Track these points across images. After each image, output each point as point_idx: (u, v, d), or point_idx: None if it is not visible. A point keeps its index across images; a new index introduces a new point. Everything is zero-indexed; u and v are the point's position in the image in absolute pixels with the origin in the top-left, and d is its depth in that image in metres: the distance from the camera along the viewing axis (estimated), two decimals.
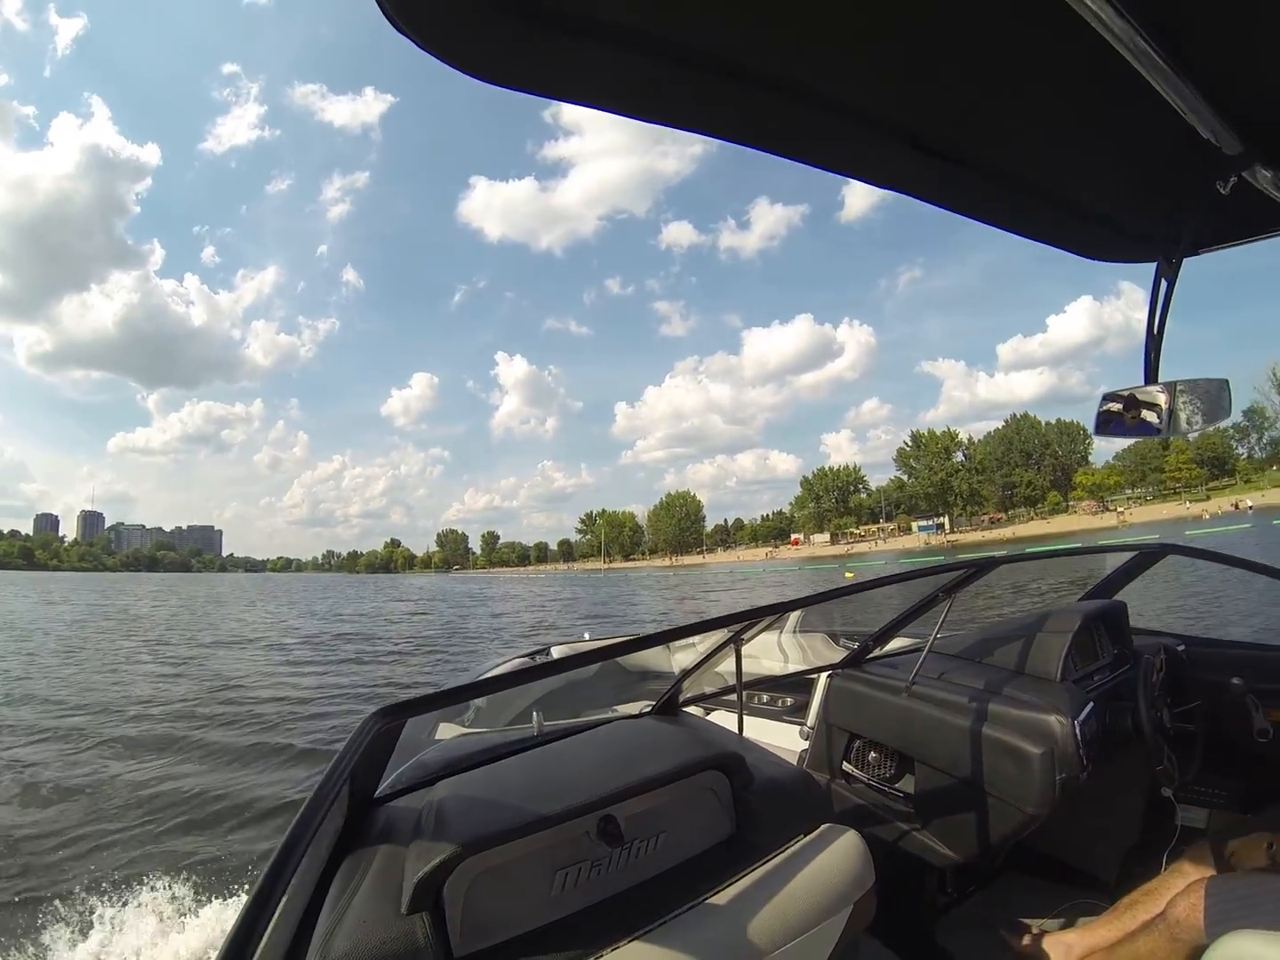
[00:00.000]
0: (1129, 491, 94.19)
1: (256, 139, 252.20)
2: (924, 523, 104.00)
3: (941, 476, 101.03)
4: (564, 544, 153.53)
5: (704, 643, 3.85)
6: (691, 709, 2.72)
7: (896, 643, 3.25)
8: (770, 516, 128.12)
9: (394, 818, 1.66)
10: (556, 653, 4.67)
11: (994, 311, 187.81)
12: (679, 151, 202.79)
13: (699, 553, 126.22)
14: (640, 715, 2.37)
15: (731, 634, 2.30)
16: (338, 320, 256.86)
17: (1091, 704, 2.31)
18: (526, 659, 4.83)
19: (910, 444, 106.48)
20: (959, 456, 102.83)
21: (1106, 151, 1.29)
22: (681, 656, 4.63)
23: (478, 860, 1.33)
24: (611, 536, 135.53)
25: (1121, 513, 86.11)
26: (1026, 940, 2.40)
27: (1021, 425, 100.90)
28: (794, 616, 4.50)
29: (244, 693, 11.92)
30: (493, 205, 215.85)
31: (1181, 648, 2.87)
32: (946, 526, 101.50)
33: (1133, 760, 2.43)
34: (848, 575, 28.74)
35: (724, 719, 2.68)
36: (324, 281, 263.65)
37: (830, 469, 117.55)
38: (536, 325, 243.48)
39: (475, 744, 2.35)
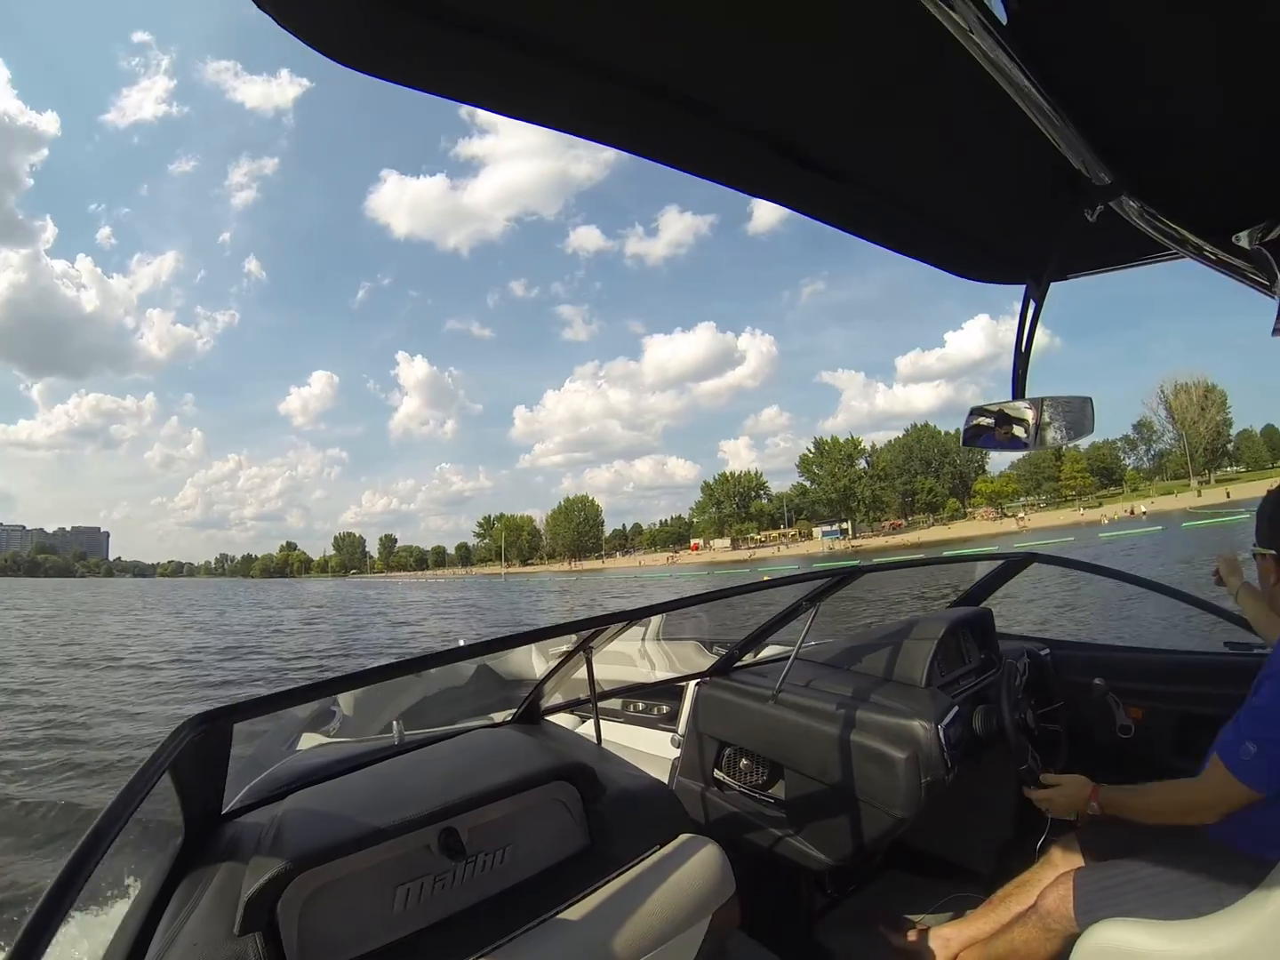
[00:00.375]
0: (1024, 499, 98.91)
1: (163, 114, 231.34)
2: (828, 528, 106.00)
3: (845, 483, 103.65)
4: (462, 548, 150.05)
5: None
6: (561, 718, 2.78)
7: (771, 650, 3.34)
8: (669, 522, 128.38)
9: (239, 834, 1.61)
10: None
11: (894, 326, 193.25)
12: (592, 156, 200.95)
13: (597, 557, 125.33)
14: (500, 724, 2.38)
15: (580, 640, 2.27)
16: (238, 312, 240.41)
17: (956, 708, 2.39)
18: None
19: (814, 450, 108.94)
20: (862, 464, 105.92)
21: (981, 175, 1.33)
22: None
23: (310, 877, 1.28)
24: (510, 540, 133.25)
25: (1022, 518, 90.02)
26: (907, 936, 2.47)
27: (922, 434, 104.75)
28: (657, 623, 4.55)
29: (81, 732, 9.77)
30: (402, 201, 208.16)
31: (1046, 651, 2.98)
32: (850, 532, 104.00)
33: (1003, 759, 2.47)
34: (764, 578, 28.14)
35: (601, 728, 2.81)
36: (225, 271, 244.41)
37: (732, 474, 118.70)
38: (439, 325, 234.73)
39: (331, 755, 2.22)
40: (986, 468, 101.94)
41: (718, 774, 2.80)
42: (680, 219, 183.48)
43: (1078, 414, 1.32)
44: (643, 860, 1.54)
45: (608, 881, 1.47)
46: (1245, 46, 1.00)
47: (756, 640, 2.95)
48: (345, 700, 4.04)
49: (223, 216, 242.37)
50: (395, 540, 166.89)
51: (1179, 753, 2.65)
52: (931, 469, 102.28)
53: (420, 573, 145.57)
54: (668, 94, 1.00)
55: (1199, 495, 78.29)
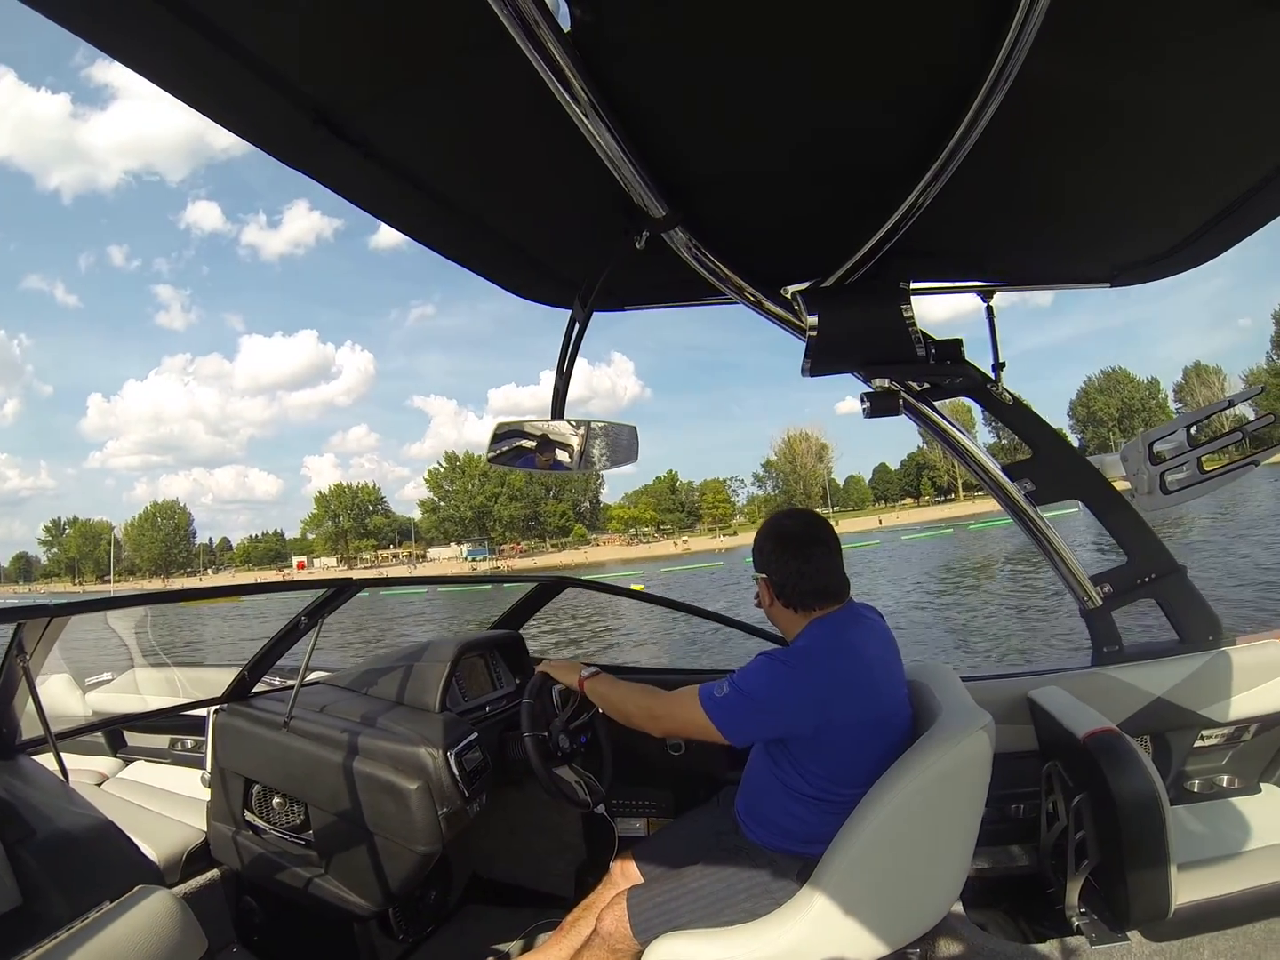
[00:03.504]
0: (649, 528, 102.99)
1: None
2: (473, 546, 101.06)
3: (481, 500, 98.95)
4: (20, 559, 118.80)
5: (131, 675, 3.91)
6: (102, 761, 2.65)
7: (317, 674, 2.94)
8: (261, 537, 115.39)
9: None
10: None
11: (495, 359, 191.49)
12: None
13: (189, 574, 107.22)
14: None
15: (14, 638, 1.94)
16: None
17: (475, 734, 2.29)
18: None
19: (445, 465, 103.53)
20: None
21: (533, 187, 1.30)
22: (95, 696, 3.91)
23: None
24: (85, 551, 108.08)
25: (684, 542, 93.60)
26: None
27: None
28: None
29: None
30: (10, 113, 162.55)
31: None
32: (494, 552, 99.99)
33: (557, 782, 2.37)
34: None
35: (154, 770, 2.63)
36: None
37: (349, 486, 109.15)
38: (16, 280, 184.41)
39: None
40: (600, 496, 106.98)
41: (249, 816, 2.47)
42: (308, 216, 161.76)
43: (625, 442, 1.40)
44: (85, 919, 1.35)
45: (42, 947, 1.28)
46: (800, 119, 1.01)
47: (265, 662, 2.62)
48: None
49: None
50: None
51: (732, 765, 2.57)
52: (551, 494, 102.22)
53: None
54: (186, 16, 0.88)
55: None
